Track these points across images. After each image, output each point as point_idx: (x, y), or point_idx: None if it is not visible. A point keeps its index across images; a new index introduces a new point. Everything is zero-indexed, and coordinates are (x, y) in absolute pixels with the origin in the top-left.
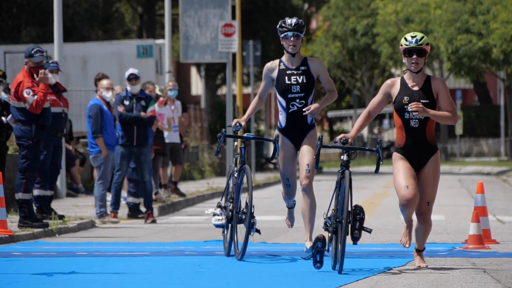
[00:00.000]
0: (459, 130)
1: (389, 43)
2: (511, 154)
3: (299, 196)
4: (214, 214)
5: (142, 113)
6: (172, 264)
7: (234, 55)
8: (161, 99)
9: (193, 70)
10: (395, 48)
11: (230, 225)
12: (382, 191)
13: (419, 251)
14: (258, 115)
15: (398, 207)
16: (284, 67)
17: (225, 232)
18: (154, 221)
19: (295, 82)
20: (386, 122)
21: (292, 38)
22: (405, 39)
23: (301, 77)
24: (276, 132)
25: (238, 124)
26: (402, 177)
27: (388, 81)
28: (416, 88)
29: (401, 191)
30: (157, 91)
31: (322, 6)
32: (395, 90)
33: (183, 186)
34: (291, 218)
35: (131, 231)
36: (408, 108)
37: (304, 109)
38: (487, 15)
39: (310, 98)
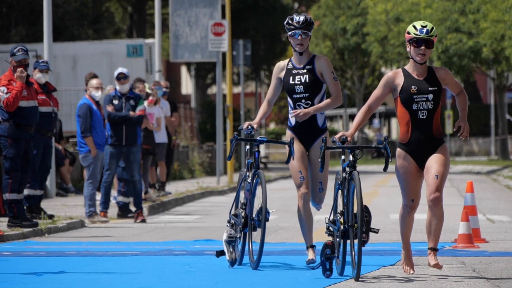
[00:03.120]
0: (449, 129)
1: (379, 43)
2: (501, 153)
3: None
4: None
5: (131, 113)
6: (162, 263)
7: (224, 54)
8: (150, 98)
9: (183, 70)
10: (385, 47)
11: (243, 233)
12: (371, 191)
13: (434, 250)
14: (248, 114)
15: (388, 207)
16: (291, 67)
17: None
18: (143, 221)
19: (298, 82)
20: (376, 121)
21: (299, 37)
22: (414, 27)
23: (305, 76)
24: (288, 132)
25: (250, 126)
26: (408, 187)
27: (390, 74)
28: (421, 78)
29: (407, 203)
30: (147, 89)
31: (312, 6)
32: (400, 81)
33: (173, 186)
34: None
35: (121, 231)
36: (461, 138)
37: (291, 112)
38: (477, 14)
39: (317, 98)
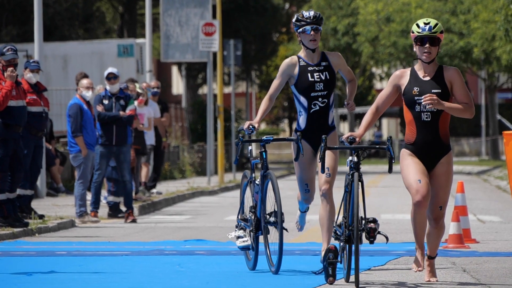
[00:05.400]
0: None
1: (370, 43)
2: (492, 153)
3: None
4: (238, 237)
5: (121, 112)
6: (152, 263)
7: (215, 54)
8: (140, 98)
9: (174, 69)
10: (376, 48)
11: (256, 236)
12: None
13: (431, 258)
14: (239, 114)
15: (379, 207)
16: (305, 64)
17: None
18: (134, 221)
19: (318, 79)
20: None
21: (312, 32)
22: (417, 25)
23: (324, 73)
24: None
25: (251, 126)
26: (412, 172)
27: (397, 72)
28: (427, 78)
29: (413, 186)
30: (138, 89)
31: (303, 6)
32: (404, 81)
33: (164, 186)
34: (301, 221)
35: (111, 231)
36: (422, 101)
37: (346, 102)
38: (468, 14)
39: (331, 97)
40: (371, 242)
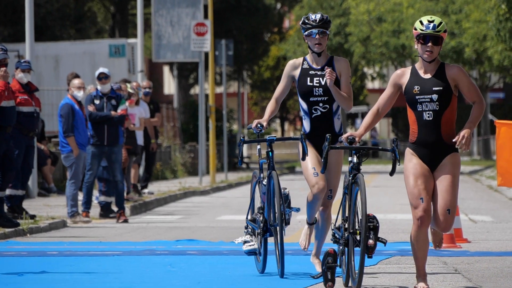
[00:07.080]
0: None
1: (362, 43)
2: (484, 153)
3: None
4: (245, 242)
5: (113, 112)
6: (143, 263)
7: (206, 54)
8: (131, 98)
9: (166, 69)
10: (368, 48)
11: (263, 238)
12: None
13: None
14: (230, 114)
15: (370, 207)
16: (308, 67)
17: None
18: (126, 221)
19: (317, 84)
20: (359, 121)
21: (317, 36)
22: (421, 23)
23: (325, 78)
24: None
25: (259, 125)
26: (415, 185)
27: (398, 71)
28: (428, 76)
29: (415, 203)
30: (129, 89)
31: (294, 6)
32: (405, 80)
33: (155, 186)
34: (308, 238)
35: (103, 231)
36: (457, 146)
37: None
38: (459, 14)
39: (335, 103)
40: (369, 257)
